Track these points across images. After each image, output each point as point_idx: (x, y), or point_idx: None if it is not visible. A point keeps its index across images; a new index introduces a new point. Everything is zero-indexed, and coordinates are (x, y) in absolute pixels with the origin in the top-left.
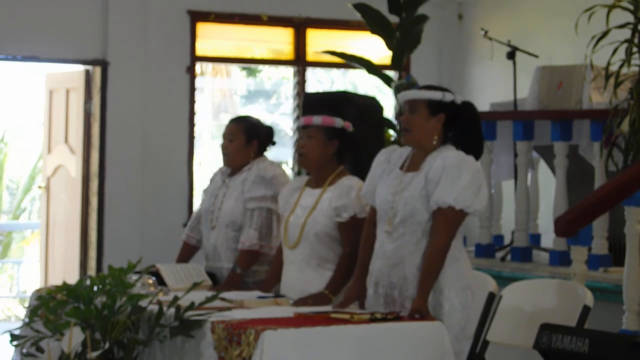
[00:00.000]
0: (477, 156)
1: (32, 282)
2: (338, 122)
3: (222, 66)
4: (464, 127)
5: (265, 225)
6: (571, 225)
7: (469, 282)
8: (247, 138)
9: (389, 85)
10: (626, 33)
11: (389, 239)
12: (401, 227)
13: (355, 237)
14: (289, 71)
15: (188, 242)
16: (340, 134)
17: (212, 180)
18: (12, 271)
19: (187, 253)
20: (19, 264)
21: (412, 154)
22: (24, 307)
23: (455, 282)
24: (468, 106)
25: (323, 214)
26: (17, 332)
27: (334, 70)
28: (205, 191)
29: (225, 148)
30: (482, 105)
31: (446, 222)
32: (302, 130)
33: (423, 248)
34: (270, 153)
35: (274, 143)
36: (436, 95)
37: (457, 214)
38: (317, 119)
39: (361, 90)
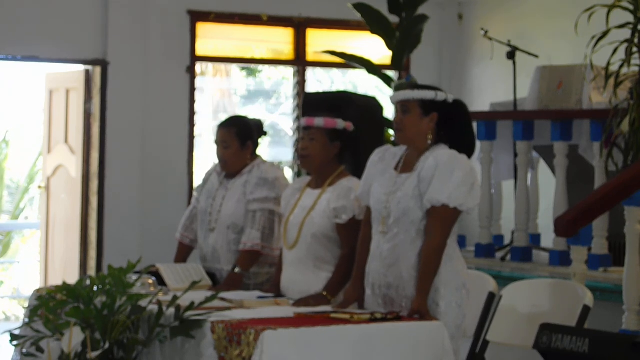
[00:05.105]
0: (470, 154)
1: (31, 282)
2: (340, 123)
3: (222, 66)
4: (456, 126)
5: (268, 227)
6: (571, 225)
7: (465, 281)
8: (241, 142)
9: (389, 85)
10: (626, 33)
11: (384, 239)
12: (395, 227)
13: (354, 238)
14: (289, 71)
15: (182, 241)
16: (342, 135)
17: (206, 179)
18: (12, 271)
19: (183, 253)
20: (19, 264)
21: (405, 155)
22: (23, 307)
23: (451, 281)
24: (459, 105)
25: (321, 214)
26: (17, 332)
27: (334, 70)
28: (198, 190)
29: (221, 156)
30: (482, 105)
31: (440, 221)
32: (304, 131)
33: (418, 247)
34: (270, 153)
35: (265, 134)
36: (429, 94)
37: (451, 212)
38: (319, 121)
39: (361, 90)
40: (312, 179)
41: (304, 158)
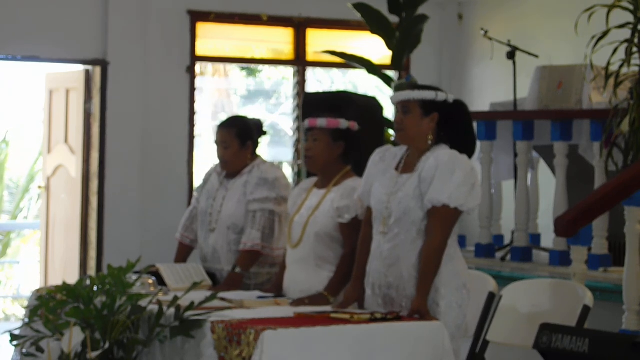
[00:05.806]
0: (470, 155)
1: (31, 282)
2: (343, 123)
3: (221, 66)
4: (457, 126)
5: (268, 227)
6: (571, 225)
7: (465, 281)
8: (240, 142)
9: (389, 85)
10: (626, 33)
11: (385, 239)
12: (396, 227)
13: (356, 238)
14: (289, 71)
15: (183, 241)
16: (346, 135)
17: (206, 180)
18: (12, 271)
19: (183, 253)
20: (19, 264)
21: (406, 155)
22: (22, 307)
23: (452, 281)
24: (460, 105)
25: (325, 214)
26: (17, 332)
27: (334, 70)
28: (198, 190)
29: (221, 156)
30: (482, 105)
31: (441, 221)
32: (308, 132)
33: (419, 247)
34: (270, 153)
35: (265, 133)
36: (429, 95)
37: (451, 213)
38: (322, 121)
39: (361, 90)
40: (318, 179)
41: (308, 159)
